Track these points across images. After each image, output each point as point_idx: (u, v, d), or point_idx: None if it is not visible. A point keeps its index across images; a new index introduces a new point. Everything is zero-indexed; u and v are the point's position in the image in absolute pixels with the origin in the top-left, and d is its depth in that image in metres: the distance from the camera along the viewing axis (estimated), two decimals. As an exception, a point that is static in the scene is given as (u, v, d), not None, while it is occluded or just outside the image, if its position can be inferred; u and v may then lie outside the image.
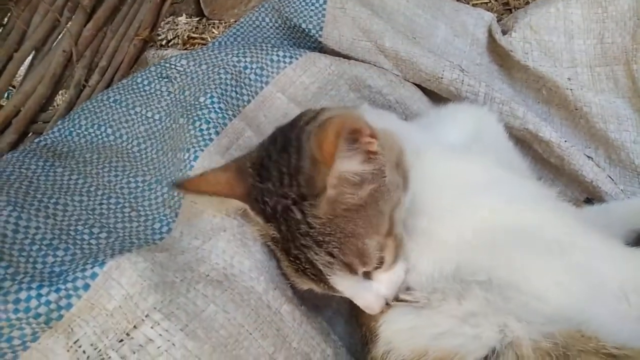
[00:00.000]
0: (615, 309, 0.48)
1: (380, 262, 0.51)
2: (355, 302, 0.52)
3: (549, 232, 0.51)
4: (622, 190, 0.72)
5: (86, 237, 0.58)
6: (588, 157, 0.75)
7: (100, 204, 0.64)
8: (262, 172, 0.52)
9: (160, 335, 0.46)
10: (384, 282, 0.52)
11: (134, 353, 0.46)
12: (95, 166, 0.70)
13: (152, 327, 0.47)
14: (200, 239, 0.57)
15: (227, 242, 0.56)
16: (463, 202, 0.53)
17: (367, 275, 0.51)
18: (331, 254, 0.48)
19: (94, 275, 0.50)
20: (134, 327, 0.47)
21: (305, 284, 0.52)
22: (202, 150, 0.63)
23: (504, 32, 0.82)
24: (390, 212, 0.50)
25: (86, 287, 0.49)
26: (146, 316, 0.47)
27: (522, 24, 0.78)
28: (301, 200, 0.49)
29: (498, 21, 0.84)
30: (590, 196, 0.74)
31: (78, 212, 0.62)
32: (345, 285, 0.50)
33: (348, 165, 0.48)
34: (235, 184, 0.52)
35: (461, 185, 0.55)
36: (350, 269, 0.49)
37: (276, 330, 0.53)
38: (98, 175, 0.69)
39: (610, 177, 0.74)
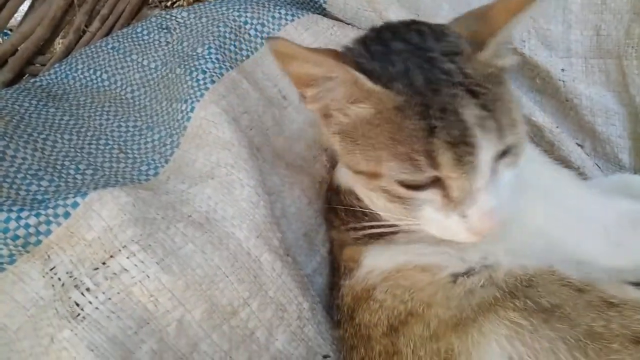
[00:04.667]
0: (596, 243, 0.54)
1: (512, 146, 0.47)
2: (473, 203, 0.46)
3: (545, 181, 0.56)
4: (607, 179, 0.73)
5: (72, 171, 0.58)
6: (578, 145, 0.76)
7: (90, 143, 0.64)
8: (380, 41, 0.50)
9: (136, 265, 0.47)
10: (506, 185, 0.48)
11: (107, 280, 0.46)
12: (88, 109, 0.71)
13: (127, 258, 0.47)
14: (186, 183, 0.57)
15: (214, 189, 0.56)
16: None
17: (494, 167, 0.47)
18: (485, 107, 0.45)
19: (75, 205, 0.50)
20: (110, 256, 0.48)
21: (435, 155, 0.44)
22: (198, 100, 0.63)
23: (506, 18, 0.82)
24: None
25: (66, 215, 0.50)
26: (123, 247, 0.48)
27: (522, 10, 0.79)
28: (451, 54, 0.47)
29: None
30: (576, 183, 0.75)
31: (66, 149, 0.62)
32: (484, 158, 0.45)
33: (509, 32, 0.48)
34: (338, 55, 0.48)
35: None
36: (500, 131, 0.45)
37: (253, 277, 0.54)
38: (90, 118, 0.69)
39: (598, 166, 0.75)
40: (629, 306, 0.46)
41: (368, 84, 0.46)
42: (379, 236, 0.57)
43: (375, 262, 0.56)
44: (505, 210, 0.48)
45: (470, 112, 0.45)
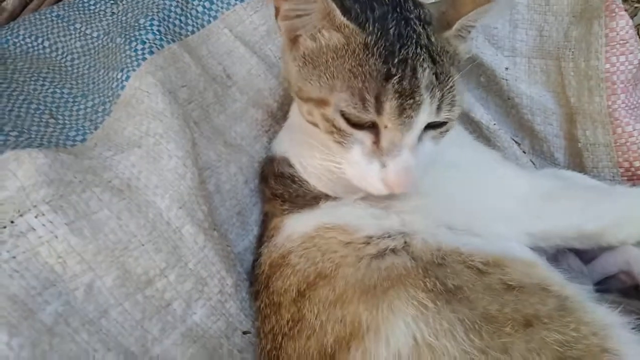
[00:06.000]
0: (516, 214, 0.58)
1: (446, 122, 0.52)
2: (397, 156, 0.50)
3: (468, 157, 0.60)
4: (541, 176, 0.75)
5: (-5, 133, 0.57)
6: (516, 142, 0.78)
7: (20, 107, 0.62)
8: None
9: (44, 225, 0.46)
10: (426, 154, 0.52)
11: (13, 238, 0.45)
12: (24, 75, 0.68)
13: (36, 217, 0.46)
14: (112, 150, 0.56)
15: (140, 158, 0.55)
16: None
17: (423, 134, 0.51)
18: (438, 77, 0.49)
19: (-11, 162, 0.49)
20: (20, 215, 0.46)
21: (383, 100, 0.48)
22: (135, 70, 0.62)
23: (456, 15, 0.83)
24: None
25: (-21, 172, 0.48)
26: (33, 206, 0.46)
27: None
28: (424, 22, 0.51)
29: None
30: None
31: (-7, 111, 0.60)
32: (420, 119, 0.49)
33: (472, 22, 0.52)
34: None
35: None
36: (441, 104, 0.50)
37: (172, 248, 0.53)
38: (24, 83, 0.67)
39: (533, 162, 0.77)
40: (526, 290, 0.48)
41: (342, 18, 0.49)
42: (304, 205, 0.59)
43: (295, 226, 0.57)
44: (420, 175, 0.51)
45: (426, 75, 0.49)
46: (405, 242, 0.52)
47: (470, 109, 0.77)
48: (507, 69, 0.80)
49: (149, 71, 0.61)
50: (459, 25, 0.52)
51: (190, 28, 0.70)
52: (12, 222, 0.46)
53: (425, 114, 0.49)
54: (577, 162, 0.75)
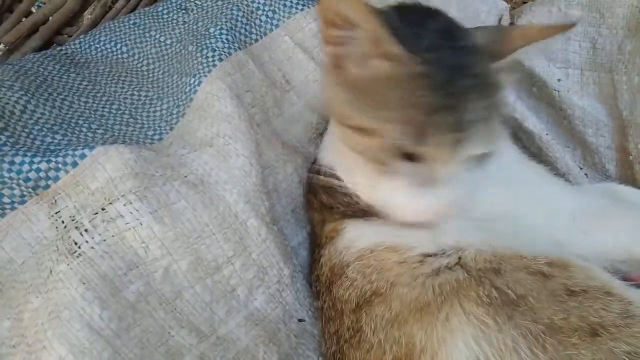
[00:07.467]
0: (563, 229, 0.57)
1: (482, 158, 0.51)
2: (441, 187, 0.50)
3: (515, 171, 0.61)
4: (593, 186, 0.76)
5: (84, 129, 0.63)
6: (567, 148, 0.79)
7: (103, 107, 0.69)
8: (415, 14, 0.54)
9: (131, 213, 0.52)
10: (471, 180, 0.51)
11: (104, 223, 0.51)
12: (106, 77, 0.76)
13: (124, 205, 0.52)
14: (187, 149, 0.62)
15: (211, 156, 0.61)
16: None
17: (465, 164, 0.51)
18: (487, 111, 0.48)
19: (82, 156, 0.55)
20: (109, 203, 0.52)
21: (432, 133, 0.47)
22: (206, 76, 0.68)
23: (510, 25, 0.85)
24: None
25: (74, 164, 0.55)
26: (122, 196, 0.52)
27: (524, 19, 0.82)
28: (476, 51, 0.51)
29: (511, 10, 0.87)
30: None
31: (82, 110, 0.67)
32: (466, 152, 0.49)
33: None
34: (375, 10, 0.48)
35: None
36: (485, 138, 0.49)
37: (239, 239, 0.58)
38: (106, 85, 0.74)
39: (586, 174, 0.78)
40: (589, 294, 0.46)
41: (396, 46, 0.48)
42: (360, 214, 0.61)
43: (353, 236, 0.59)
44: (464, 204, 0.52)
45: (476, 108, 0.48)
46: (459, 258, 0.51)
47: (523, 118, 0.79)
48: (559, 80, 0.80)
49: (219, 77, 0.66)
50: (510, 60, 0.52)
51: (254, 36, 0.75)
52: (103, 209, 0.52)
53: (470, 147, 0.49)
54: (628, 174, 0.75)
